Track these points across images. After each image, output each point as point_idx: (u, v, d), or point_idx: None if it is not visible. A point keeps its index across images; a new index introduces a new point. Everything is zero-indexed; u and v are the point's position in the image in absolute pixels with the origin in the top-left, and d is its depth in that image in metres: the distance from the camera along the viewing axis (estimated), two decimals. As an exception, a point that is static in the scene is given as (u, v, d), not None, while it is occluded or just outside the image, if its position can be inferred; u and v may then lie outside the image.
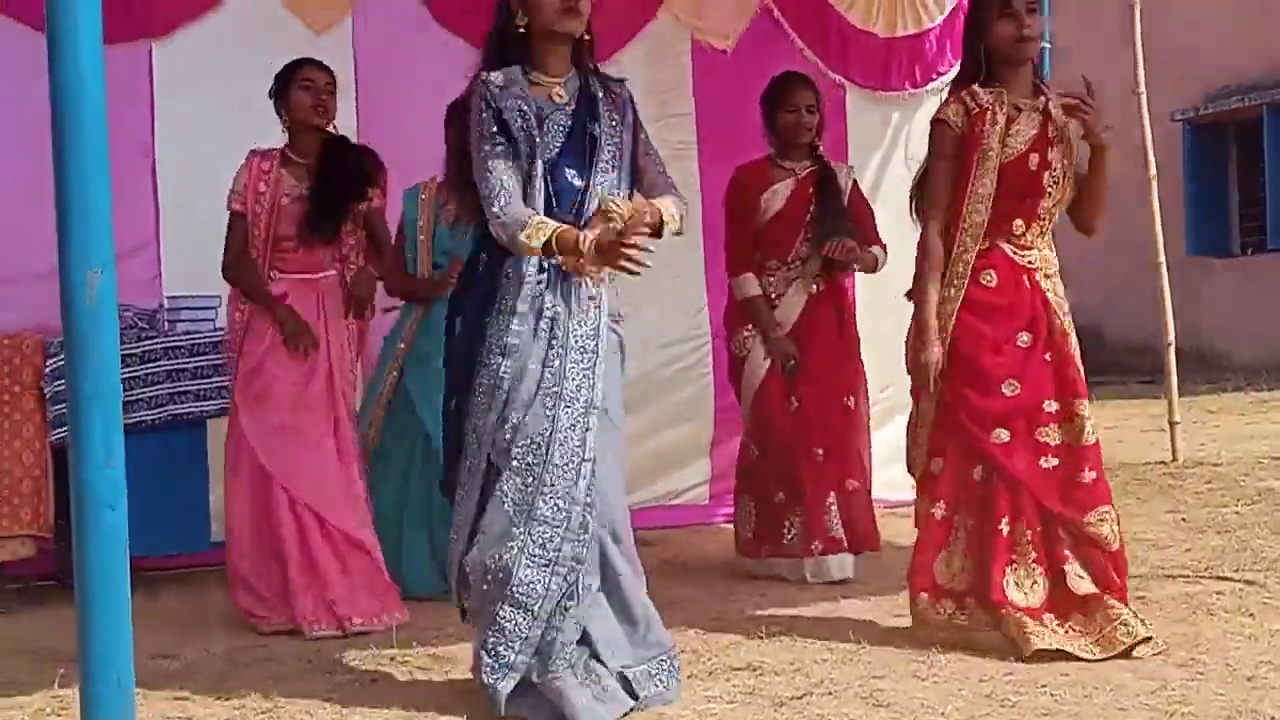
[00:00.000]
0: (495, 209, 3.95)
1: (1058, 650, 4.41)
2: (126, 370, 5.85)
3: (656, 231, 4.06)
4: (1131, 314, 14.18)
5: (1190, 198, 16.63)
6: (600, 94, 4.12)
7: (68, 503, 3.15)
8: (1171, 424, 8.90)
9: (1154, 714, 3.82)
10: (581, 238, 3.86)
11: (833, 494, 5.99)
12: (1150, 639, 4.43)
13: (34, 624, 5.45)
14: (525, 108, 3.99)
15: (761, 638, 4.82)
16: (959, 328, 4.59)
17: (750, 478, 6.15)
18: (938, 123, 4.69)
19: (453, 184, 4.33)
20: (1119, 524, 4.65)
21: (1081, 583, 4.53)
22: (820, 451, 5.99)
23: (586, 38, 4.11)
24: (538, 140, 3.98)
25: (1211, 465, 8.59)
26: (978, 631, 4.60)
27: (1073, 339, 4.67)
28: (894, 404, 7.71)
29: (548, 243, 3.88)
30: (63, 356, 5.51)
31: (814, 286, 6.06)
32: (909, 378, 4.72)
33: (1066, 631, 4.49)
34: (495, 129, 3.98)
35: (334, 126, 5.46)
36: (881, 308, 7.67)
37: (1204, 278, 16.29)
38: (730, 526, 7.06)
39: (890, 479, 7.77)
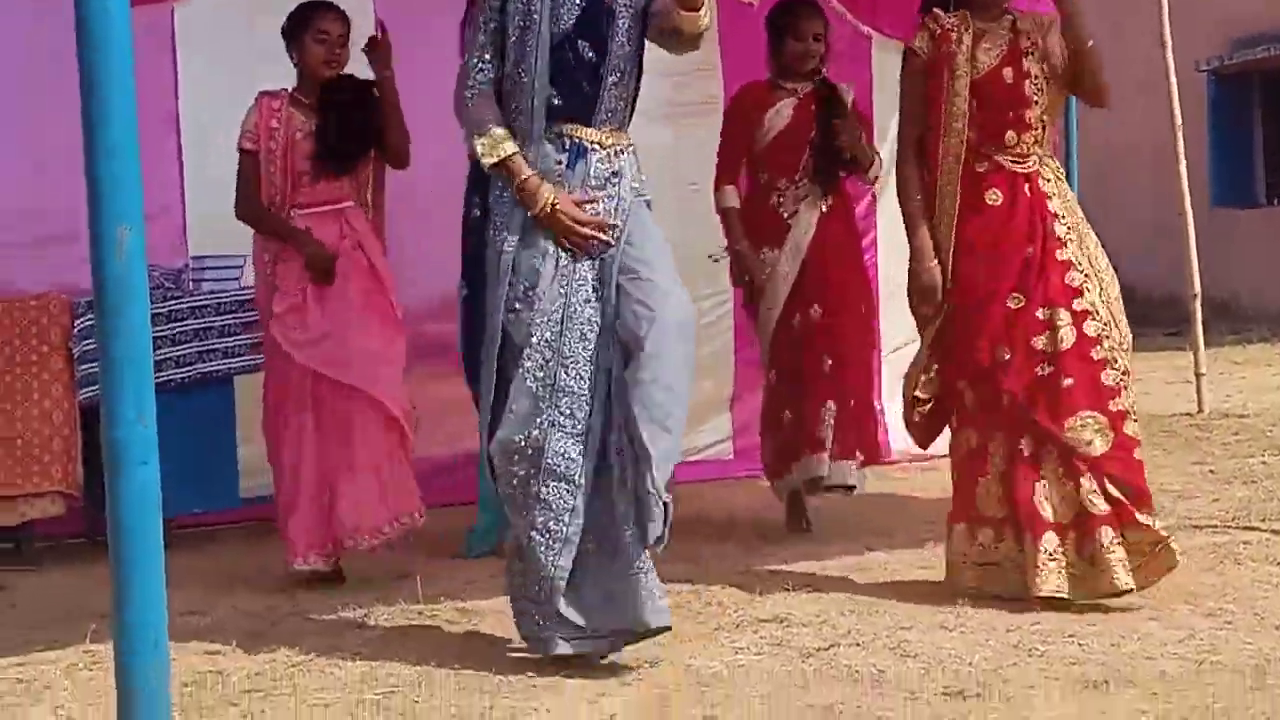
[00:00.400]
0: (465, 93, 4.06)
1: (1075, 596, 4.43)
2: (154, 330, 5.86)
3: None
4: (1157, 266, 14.10)
5: (1215, 148, 16.52)
6: None
7: (97, 461, 3.16)
8: (1197, 375, 8.87)
9: (1183, 663, 3.83)
10: (540, 196, 3.95)
11: (831, 402, 5.93)
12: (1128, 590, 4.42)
13: (65, 580, 5.50)
14: None
15: (788, 590, 4.83)
16: (961, 248, 4.64)
17: (768, 405, 6.11)
18: (907, 53, 4.79)
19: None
20: (1127, 425, 4.52)
21: (1091, 499, 4.47)
22: (829, 361, 5.95)
23: None
24: (545, 10, 4.00)
25: (1237, 416, 8.57)
26: (1004, 570, 4.57)
27: (1077, 243, 4.65)
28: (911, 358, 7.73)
29: (498, 164, 3.98)
30: (90, 316, 5.57)
31: (824, 203, 6.05)
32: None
33: (1080, 558, 4.45)
34: (499, 4, 4.05)
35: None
36: (900, 263, 7.66)
37: (1229, 229, 16.20)
38: (754, 481, 7.09)
39: (902, 430, 7.79)
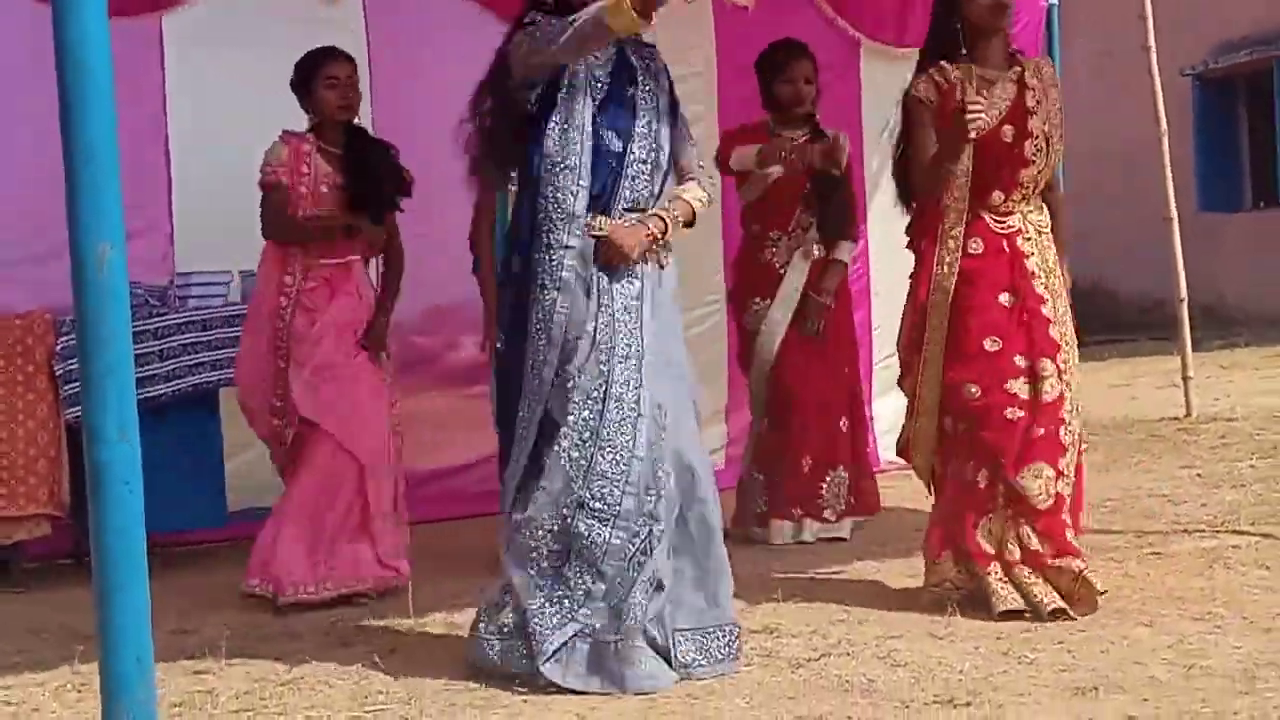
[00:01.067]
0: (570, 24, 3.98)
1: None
2: (141, 346, 5.86)
3: (690, 223, 4.22)
4: (1144, 271, 14.12)
5: (1201, 153, 16.57)
6: (635, 60, 4.18)
7: (83, 481, 3.16)
8: (1185, 379, 8.90)
9: (1171, 668, 3.83)
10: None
11: (842, 468, 6.06)
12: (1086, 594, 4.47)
13: (52, 602, 5.47)
14: (580, 67, 4.07)
15: (777, 600, 4.83)
16: (954, 299, 4.61)
17: (765, 451, 6.10)
18: (912, 99, 4.67)
19: (491, 148, 4.27)
20: (1061, 483, 4.53)
21: (1034, 540, 4.51)
22: (845, 421, 6.07)
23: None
24: (586, 100, 4.04)
25: (1225, 420, 8.59)
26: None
27: (1053, 303, 4.63)
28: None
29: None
30: (74, 335, 5.54)
31: (816, 253, 6.04)
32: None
33: (1037, 582, 4.47)
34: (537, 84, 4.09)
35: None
36: (893, 279, 7.69)
37: (1216, 233, 16.24)
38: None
39: (891, 441, 7.81)
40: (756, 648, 4.23)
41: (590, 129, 4.03)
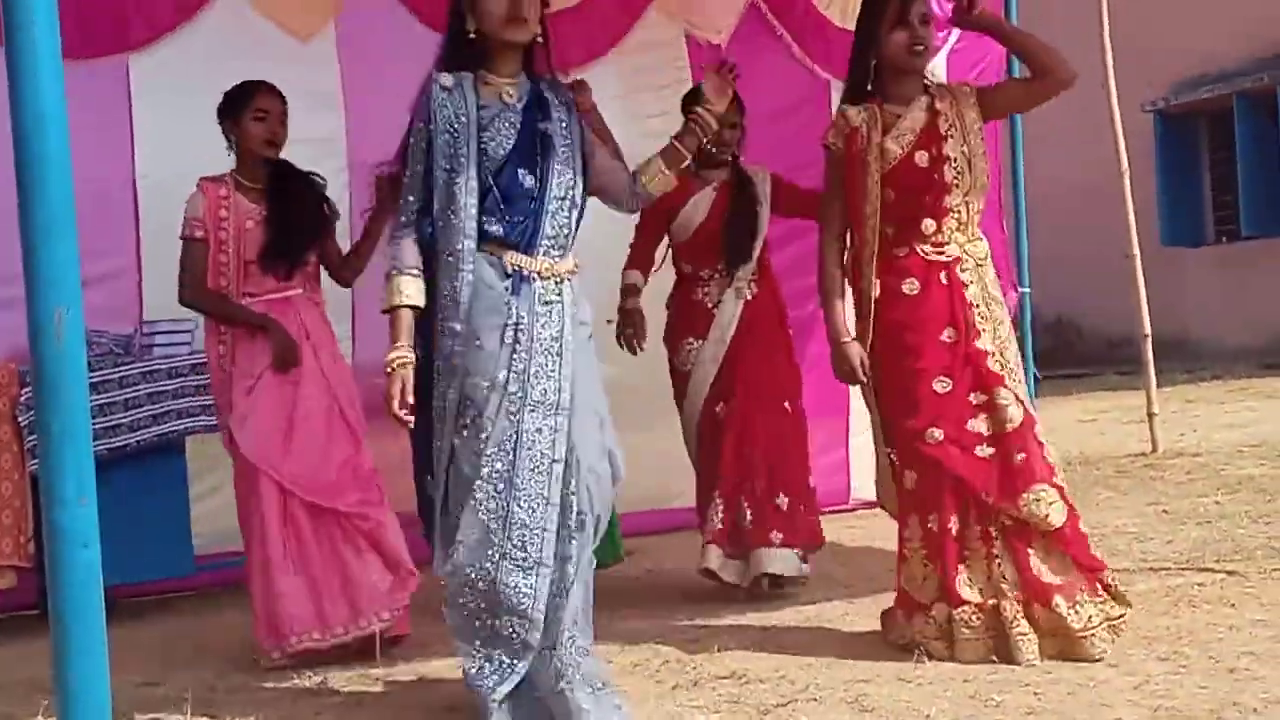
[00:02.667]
0: (394, 232, 4.09)
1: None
2: (106, 395, 5.85)
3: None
4: (1108, 306, 14.21)
5: (1163, 188, 16.71)
6: (550, 95, 4.15)
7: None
8: (1150, 415, 8.95)
9: (1138, 709, 3.83)
10: (394, 361, 3.93)
11: (783, 494, 5.93)
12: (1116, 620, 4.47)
13: (17, 654, 5.43)
14: (464, 116, 4.01)
15: (745, 645, 4.82)
16: (882, 339, 4.60)
17: (706, 486, 6.02)
18: (825, 149, 4.73)
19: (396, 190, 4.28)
20: (1064, 500, 4.52)
21: (1043, 570, 4.47)
22: (768, 464, 5.94)
23: (539, 41, 4.13)
24: (478, 143, 4.00)
25: (1191, 455, 8.64)
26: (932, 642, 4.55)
27: (991, 334, 4.60)
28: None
29: (387, 311, 4.00)
30: (36, 388, 5.52)
31: (749, 292, 6.06)
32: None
33: (1027, 635, 4.41)
34: (423, 152, 4.04)
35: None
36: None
37: (1179, 267, 16.37)
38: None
39: (870, 480, 7.81)
40: (724, 694, 4.23)
41: (475, 185, 3.98)
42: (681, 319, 6.10)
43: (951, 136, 4.59)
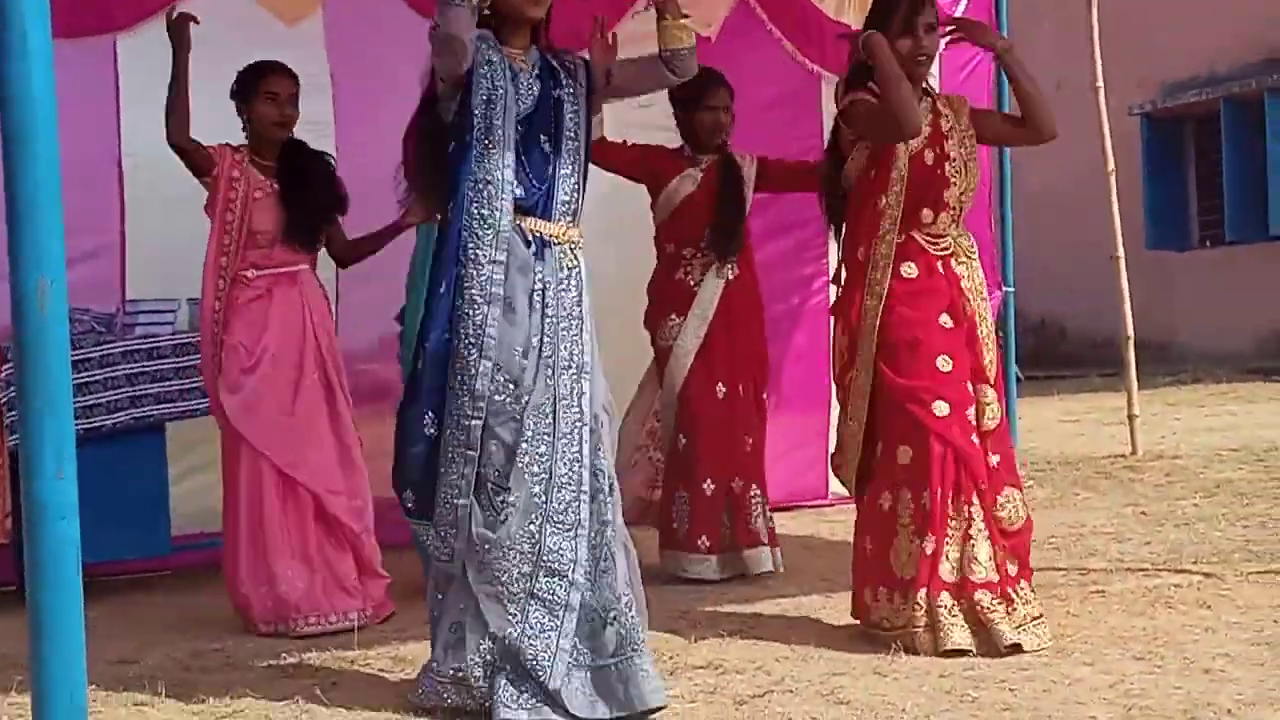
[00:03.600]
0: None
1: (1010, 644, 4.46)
2: (85, 374, 5.82)
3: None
4: (1092, 308, 14.25)
5: (1149, 191, 16.73)
6: (557, 64, 4.19)
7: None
8: (1131, 417, 8.97)
9: (1112, 708, 3.84)
10: None
11: (755, 486, 6.04)
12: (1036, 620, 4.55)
13: (-7, 630, 5.41)
14: (498, 65, 4.03)
15: (722, 635, 4.83)
16: (887, 316, 4.68)
17: (679, 469, 6.09)
18: (857, 102, 4.75)
19: (418, 173, 4.27)
20: (1023, 503, 4.69)
21: (1004, 563, 4.58)
22: (750, 440, 6.07)
23: (543, 16, 4.17)
24: (511, 94, 4.01)
25: (1170, 458, 8.66)
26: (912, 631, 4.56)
27: (984, 326, 4.77)
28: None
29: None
30: (17, 363, 5.50)
31: (730, 271, 6.09)
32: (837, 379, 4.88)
33: (1002, 617, 4.49)
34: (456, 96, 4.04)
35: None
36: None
37: (1164, 271, 16.41)
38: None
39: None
40: (700, 684, 4.23)
41: (512, 142, 4.00)
42: (663, 297, 6.16)
43: (951, 138, 4.77)
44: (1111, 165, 8.93)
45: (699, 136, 6.16)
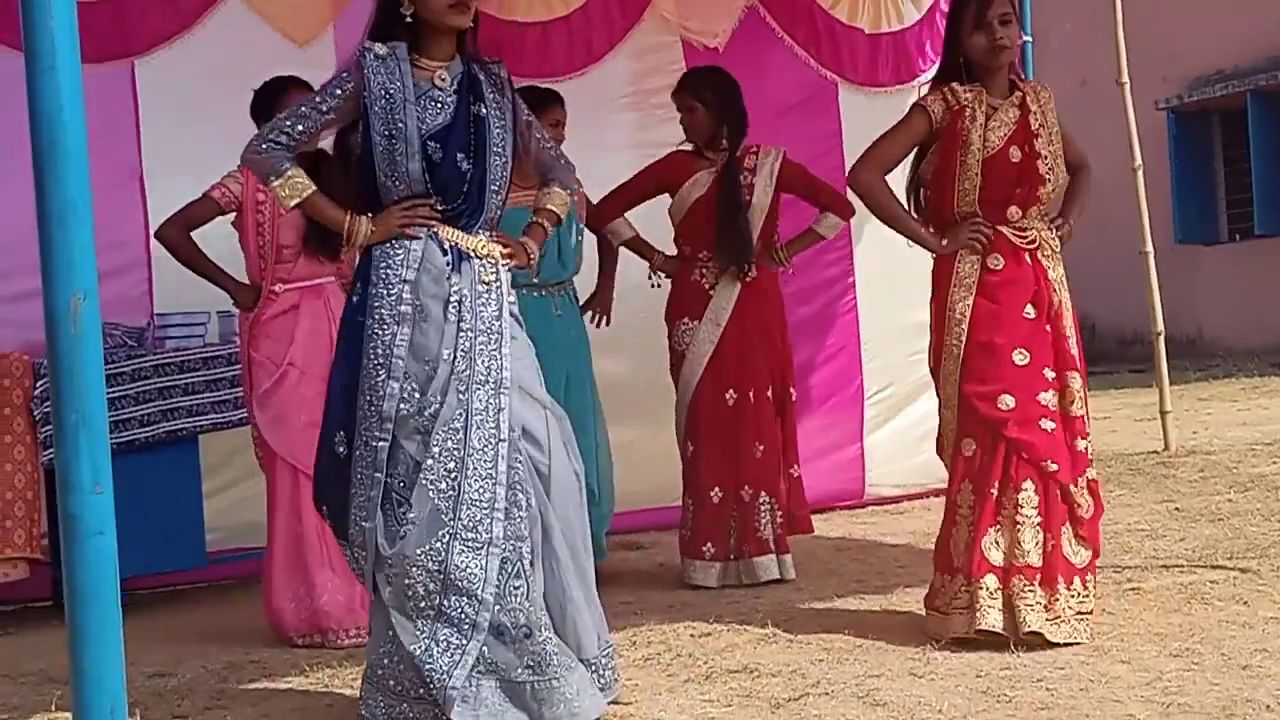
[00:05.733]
0: (260, 144, 4.04)
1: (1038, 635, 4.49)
2: (118, 389, 5.86)
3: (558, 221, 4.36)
4: (1122, 304, 14.19)
5: (1177, 186, 16.66)
6: (482, 76, 4.08)
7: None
8: (1163, 413, 8.93)
9: (1150, 706, 3.83)
10: (358, 223, 3.97)
11: (765, 494, 6.00)
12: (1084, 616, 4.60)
13: (30, 646, 5.45)
14: (397, 85, 3.95)
15: (757, 639, 4.83)
16: (974, 314, 4.73)
17: (689, 477, 6.12)
18: (917, 107, 4.89)
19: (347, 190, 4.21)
20: (1094, 495, 4.74)
21: (1073, 552, 4.66)
22: (760, 448, 6.03)
23: (469, 26, 4.06)
24: (410, 117, 3.93)
25: (1204, 453, 8.62)
26: (955, 613, 4.62)
27: (1069, 316, 4.83)
28: (895, 403, 7.80)
29: (301, 203, 4.03)
30: (51, 379, 5.53)
31: (747, 275, 6.07)
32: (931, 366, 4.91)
33: (1036, 601, 4.54)
34: (338, 99, 4.02)
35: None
36: (880, 311, 7.73)
37: (1193, 265, 16.33)
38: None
39: (885, 474, 7.84)
40: (736, 688, 4.23)
41: (418, 161, 3.94)
42: (678, 299, 6.16)
43: (1040, 135, 4.79)
44: (1139, 161, 8.89)
45: (689, 137, 6.17)
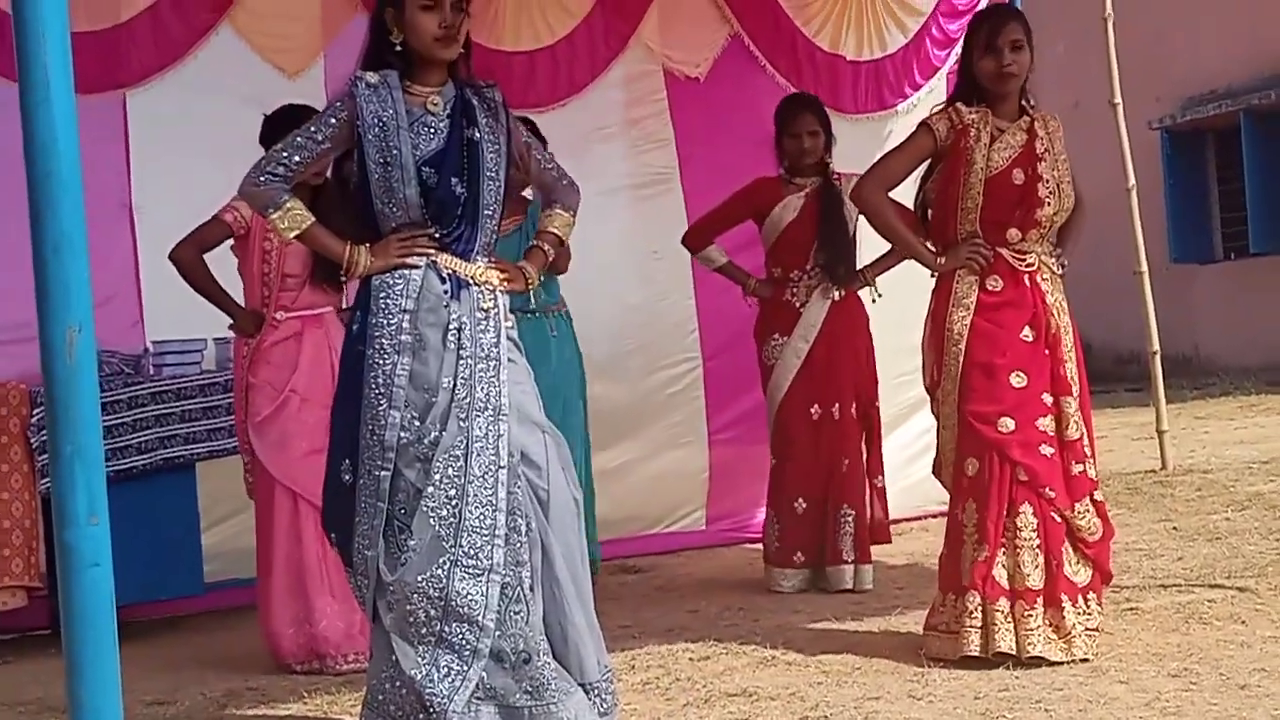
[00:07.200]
0: (259, 177, 4.04)
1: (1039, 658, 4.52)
2: (114, 416, 5.86)
3: (560, 243, 4.36)
4: (1118, 323, 14.19)
5: (1171, 205, 16.67)
6: (475, 100, 4.08)
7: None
8: (1160, 432, 8.93)
9: (1148, 727, 3.83)
10: (357, 253, 3.98)
11: (847, 506, 6.18)
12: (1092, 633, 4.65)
13: (28, 674, 5.44)
14: (390, 113, 3.95)
15: (756, 662, 4.82)
16: (971, 332, 4.77)
17: (773, 488, 6.35)
18: (923, 126, 4.95)
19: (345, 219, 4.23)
20: (1103, 517, 4.78)
21: (1074, 571, 4.69)
22: (846, 462, 6.22)
23: (461, 51, 4.06)
24: (404, 143, 3.93)
25: (1201, 472, 8.62)
26: (963, 634, 4.61)
27: (1069, 340, 4.86)
28: (899, 415, 7.80)
29: (301, 235, 4.04)
30: (48, 408, 5.52)
31: (836, 294, 6.27)
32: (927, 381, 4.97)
33: (1040, 625, 4.57)
34: (333, 128, 4.02)
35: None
36: (889, 320, 7.74)
37: (1188, 284, 16.35)
38: (726, 549, 7.20)
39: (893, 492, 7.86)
40: (735, 712, 4.23)
41: (414, 186, 3.94)
42: (769, 316, 6.40)
43: (1045, 160, 4.83)
44: (1133, 181, 8.91)
45: (789, 161, 6.35)
